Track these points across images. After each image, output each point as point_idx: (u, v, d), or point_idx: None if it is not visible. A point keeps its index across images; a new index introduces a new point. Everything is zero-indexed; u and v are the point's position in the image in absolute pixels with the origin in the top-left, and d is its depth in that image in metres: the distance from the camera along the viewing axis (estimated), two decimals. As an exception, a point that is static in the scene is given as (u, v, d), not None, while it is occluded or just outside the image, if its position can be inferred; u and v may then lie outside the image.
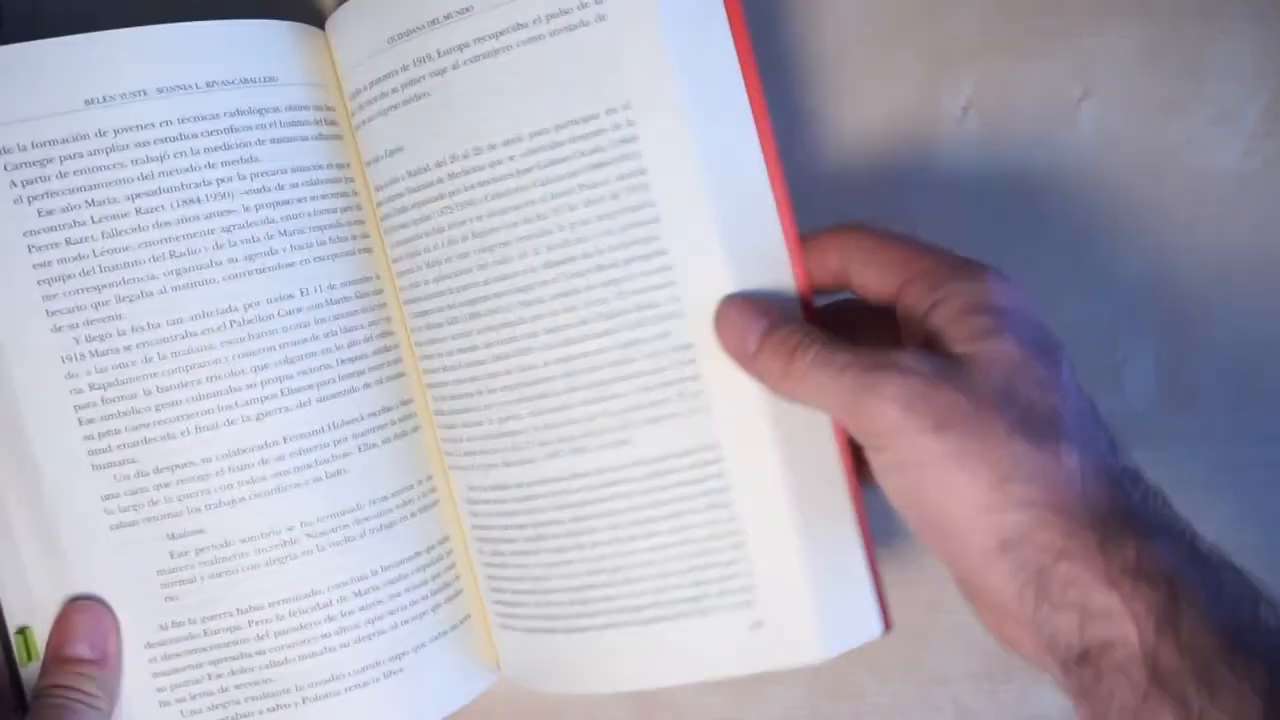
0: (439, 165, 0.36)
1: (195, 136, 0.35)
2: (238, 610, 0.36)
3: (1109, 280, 0.43)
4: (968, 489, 0.28)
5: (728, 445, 0.35)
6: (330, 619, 0.36)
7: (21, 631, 0.35)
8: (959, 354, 0.30)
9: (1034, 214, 0.43)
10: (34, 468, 0.35)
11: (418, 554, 0.38)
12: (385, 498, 0.38)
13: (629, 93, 0.34)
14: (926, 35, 0.42)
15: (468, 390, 0.37)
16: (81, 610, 0.34)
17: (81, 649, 0.34)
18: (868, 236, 0.34)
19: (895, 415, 0.29)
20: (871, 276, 0.33)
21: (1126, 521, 0.28)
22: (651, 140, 0.34)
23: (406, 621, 0.38)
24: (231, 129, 0.36)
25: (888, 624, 0.36)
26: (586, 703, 0.44)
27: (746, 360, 0.33)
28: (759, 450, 0.35)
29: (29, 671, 0.36)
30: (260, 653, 0.36)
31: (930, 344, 0.31)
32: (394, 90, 0.37)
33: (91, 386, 0.35)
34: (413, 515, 0.38)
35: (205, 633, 0.36)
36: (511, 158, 0.35)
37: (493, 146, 0.35)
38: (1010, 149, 0.43)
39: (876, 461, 0.31)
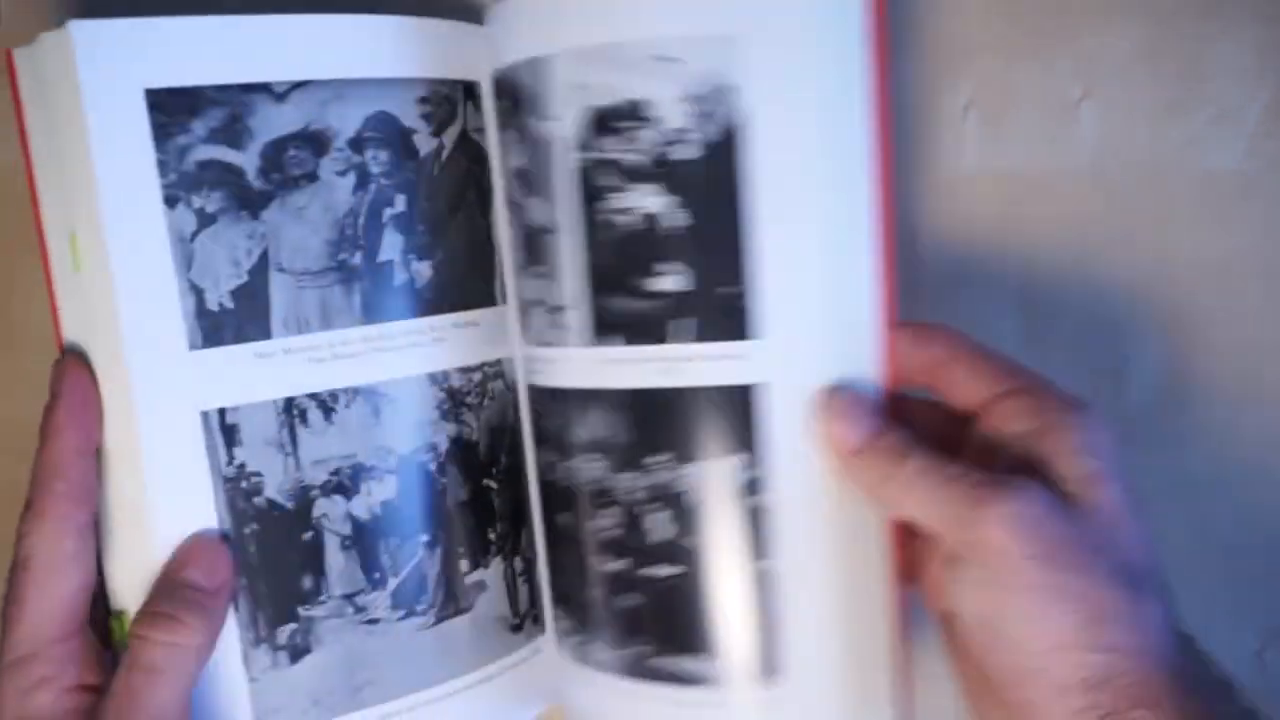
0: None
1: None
2: None
3: (1109, 280, 0.43)
4: (1058, 622, 0.29)
5: (782, 515, 0.35)
6: None
7: (118, 616, 0.36)
8: (1068, 492, 0.31)
9: (1034, 214, 0.43)
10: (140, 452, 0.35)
11: None
12: None
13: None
14: (927, 35, 0.42)
15: None
16: (203, 541, 0.35)
17: (196, 575, 0.34)
18: (966, 342, 0.34)
19: (1004, 537, 0.30)
20: (965, 382, 0.34)
21: (1195, 678, 0.30)
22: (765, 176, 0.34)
23: None
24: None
25: None
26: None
27: (846, 454, 0.34)
28: (811, 524, 0.35)
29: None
30: None
31: (1026, 465, 0.32)
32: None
33: None
34: None
35: None
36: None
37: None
38: (1010, 149, 0.43)
39: (962, 575, 0.31)
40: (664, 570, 0.37)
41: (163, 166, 0.35)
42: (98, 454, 0.36)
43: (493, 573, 0.40)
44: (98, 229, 0.34)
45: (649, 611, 0.37)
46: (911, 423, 0.34)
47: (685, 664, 0.37)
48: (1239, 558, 0.43)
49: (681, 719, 0.37)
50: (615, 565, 0.37)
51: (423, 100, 0.38)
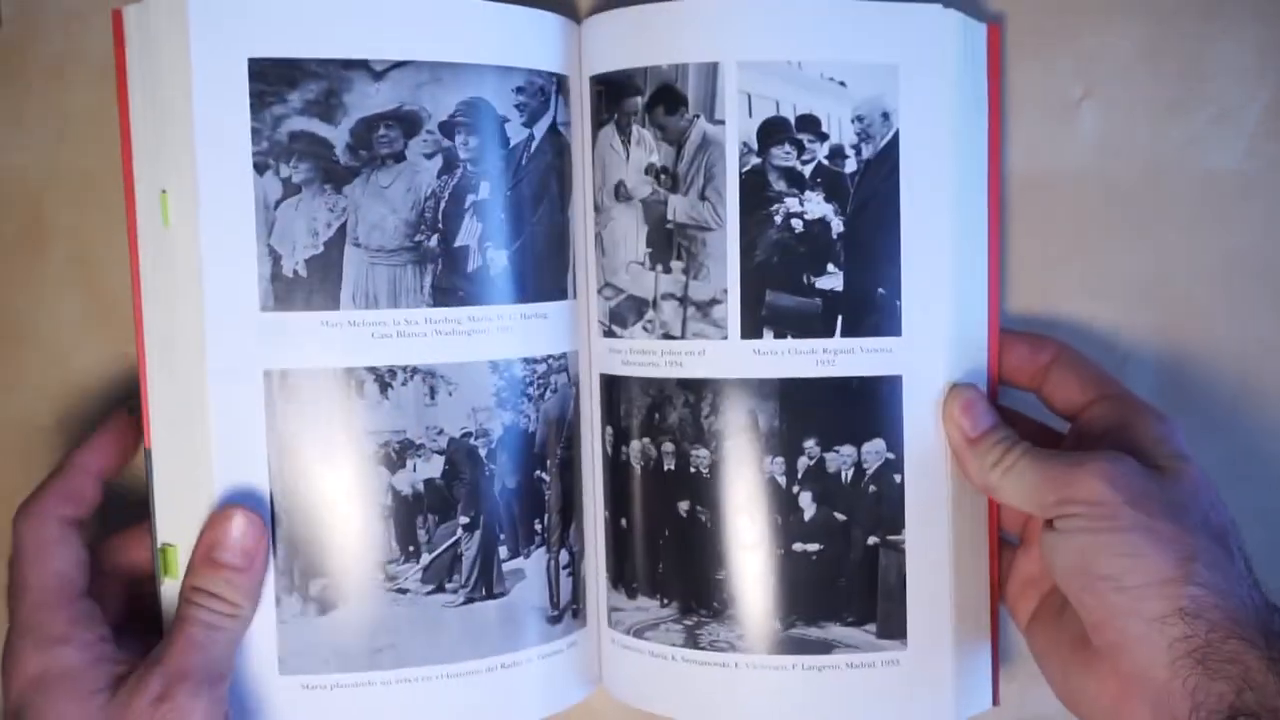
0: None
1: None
2: None
3: (1109, 280, 0.43)
4: (1155, 559, 0.33)
5: (911, 497, 0.39)
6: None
7: (163, 550, 0.37)
8: (1155, 464, 0.35)
9: (1034, 214, 0.43)
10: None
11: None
12: None
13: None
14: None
15: None
16: (232, 516, 0.36)
17: (229, 555, 0.36)
18: (1071, 352, 0.40)
19: (1101, 487, 0.34)
20: (1071, 385, 0.39)
21: (1277, 623, 0.32)
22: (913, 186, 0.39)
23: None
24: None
25: (996, 698, 0.41)
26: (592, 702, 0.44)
27: (963, 441, 0.38)
28: (937, 502, 0.39)
29: (167, 588, 0.37)
30: None
31: (1115, 448, 0.35)
32: None
33: None
34: None
35: None
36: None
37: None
38: (1010, 149, 0.43)
39: (1062, 528, 0.34)
40: (811, 546, 0.40)
41: (256, 134, 0.36)
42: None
43: (534, 563, 0.40)
44: (191, 188, 0.36)
45: (790, 586, 0.40)
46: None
47: (821, 632, 0.40)
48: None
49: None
50: (754, 545, 0.40)
51: (518, 90, 0.39)
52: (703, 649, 0.40)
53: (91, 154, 0.42)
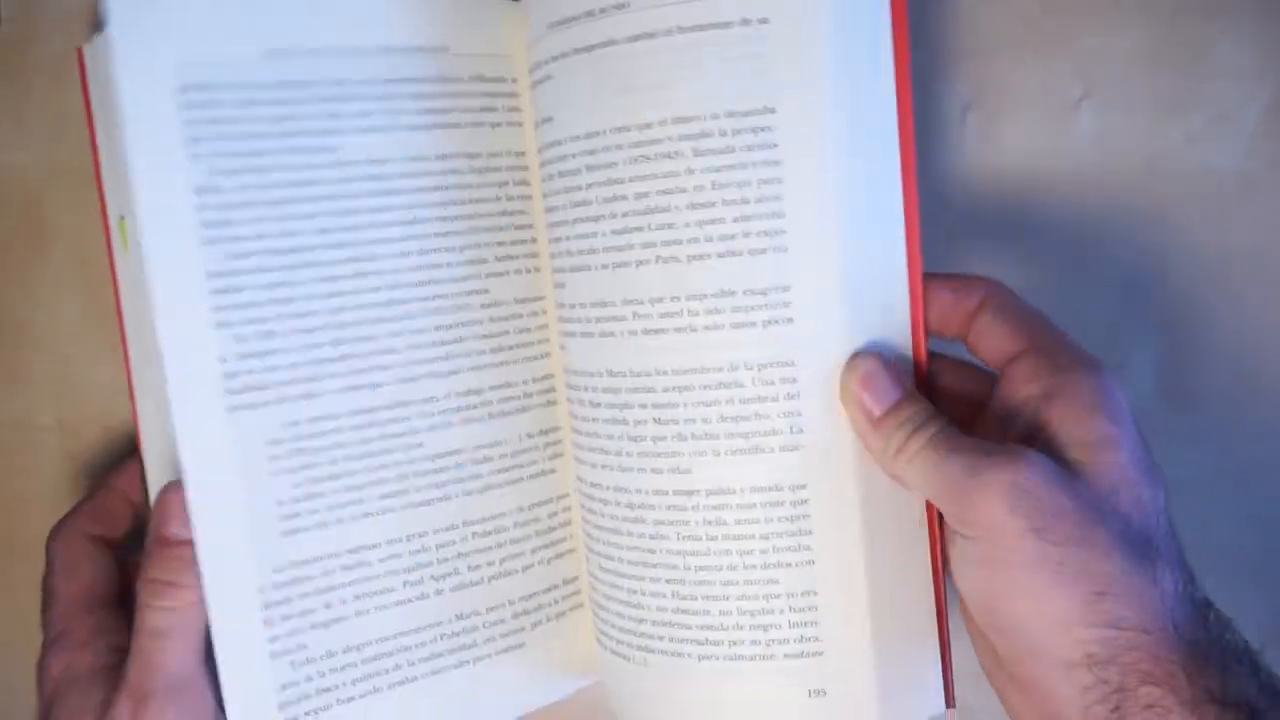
0: (597, 134, 0.35)
1: (379, 98, 0.36)
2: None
3: (1109, 280, 0.43)
4: (1060, 600, 0.28)
5: (814, 490, 0.34)
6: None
7: None
8: (1071, 458, 0.30)
9: (1034, 214, 0.43)
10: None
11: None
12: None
13: (775, 99, 0.33)
14: (927, 35, 0.42)
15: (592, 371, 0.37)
16: (178, 489, 0.34)
17: (178, 527, 0.35)
18: (1001, 295, 0.34)
19: (1000, 511, 0.29)
20: (997, 335, 0.33)
21: (1209, 649, 0.28)
22: (791, 152, 0.33)
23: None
24: (415, 95, 0.37)
25: (950, 700, 0.36)
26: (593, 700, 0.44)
27: (867, 423, 0.33)
28: (845, 500, 0.34)
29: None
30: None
31: (1036, 430, 0.31)
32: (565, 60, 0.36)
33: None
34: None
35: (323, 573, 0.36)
36: (662, 139, 0.34)
37: (647, 125, 0.34)
38: (1010, 149, 0.43)
39: (964, 551, 0.31)
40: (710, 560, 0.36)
41: (195, 159, 0.34)
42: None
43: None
44: (137, 214, 0.34)
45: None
46: (942, 387, 0.35)
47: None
48: (1238, 558, 0.43)
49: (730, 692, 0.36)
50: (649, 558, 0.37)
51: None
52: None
53: (91, 154, 0.42)
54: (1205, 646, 0.28)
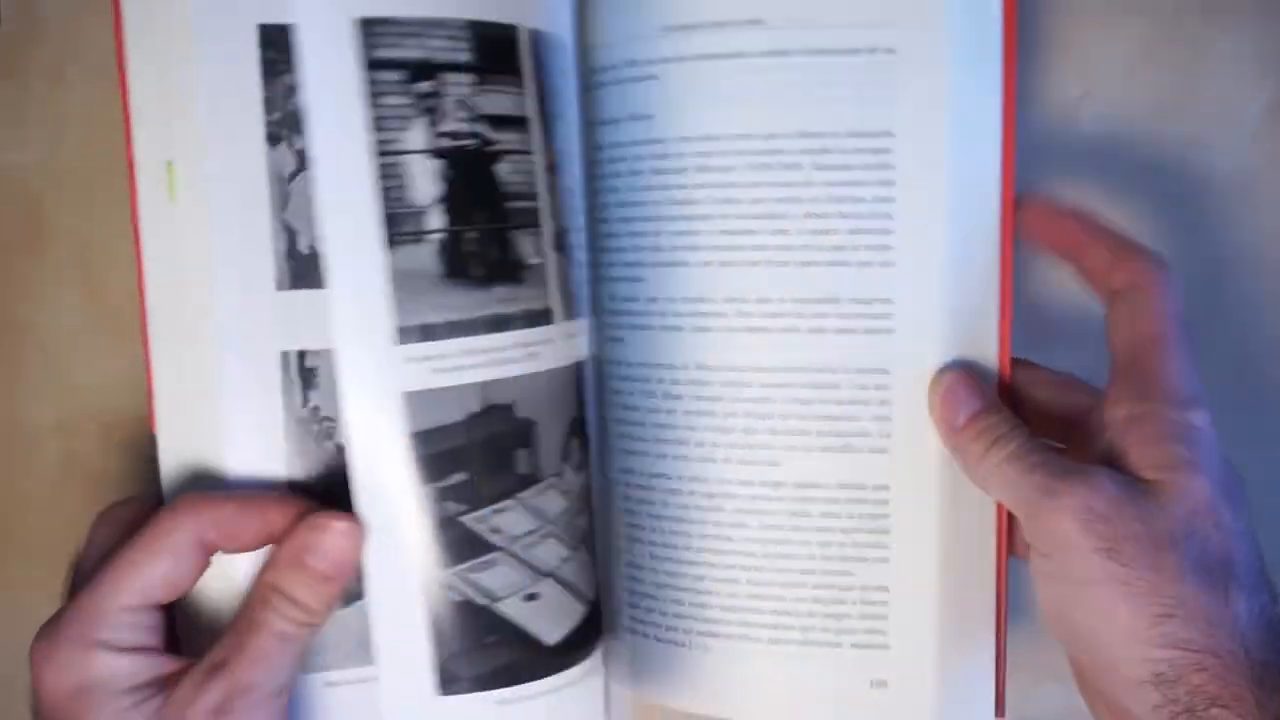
0: (715, 139, 0.37)
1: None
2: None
3: (1109, 280, 0.43)
4: (1128, 618, 0.29)
5: (896, 491, 0.36)
6: None
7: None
8: (1148, 479, 0.31)
9: (1034, 214, 0.43)
10: None
11: None
12: None
13: (895, 124, 0.35)
14: (926, 35, 0.42)
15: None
16: (331, 524, 0.33)
17: (320, 561, 0.33)
18: (1151, 286, 0.34)
19: (1072, 529, 0.30)
20: (1116, 332, 0.34)
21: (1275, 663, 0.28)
22: (906, 174, 0.35)
23: None
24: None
25: (1000, 709, 0.37)
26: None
27: (950, 432, 0.35)
28: (923, 504, 0.36)
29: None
30: None
31: (1118, 453, 0.32)
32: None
33: None
34: None
35: None
36: (784, 150, 0.36)
37: (771, 135, 0.36)
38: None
39: (1040, 567, 0.32)
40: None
41: (268, 104, 0.33)
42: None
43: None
44: (198, 160, 0.33)
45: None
46: (1042, 397, 0.36)
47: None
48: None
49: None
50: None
51: None
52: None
53: (91, 154, 0.42)
54: (1278, 670, 0.28)
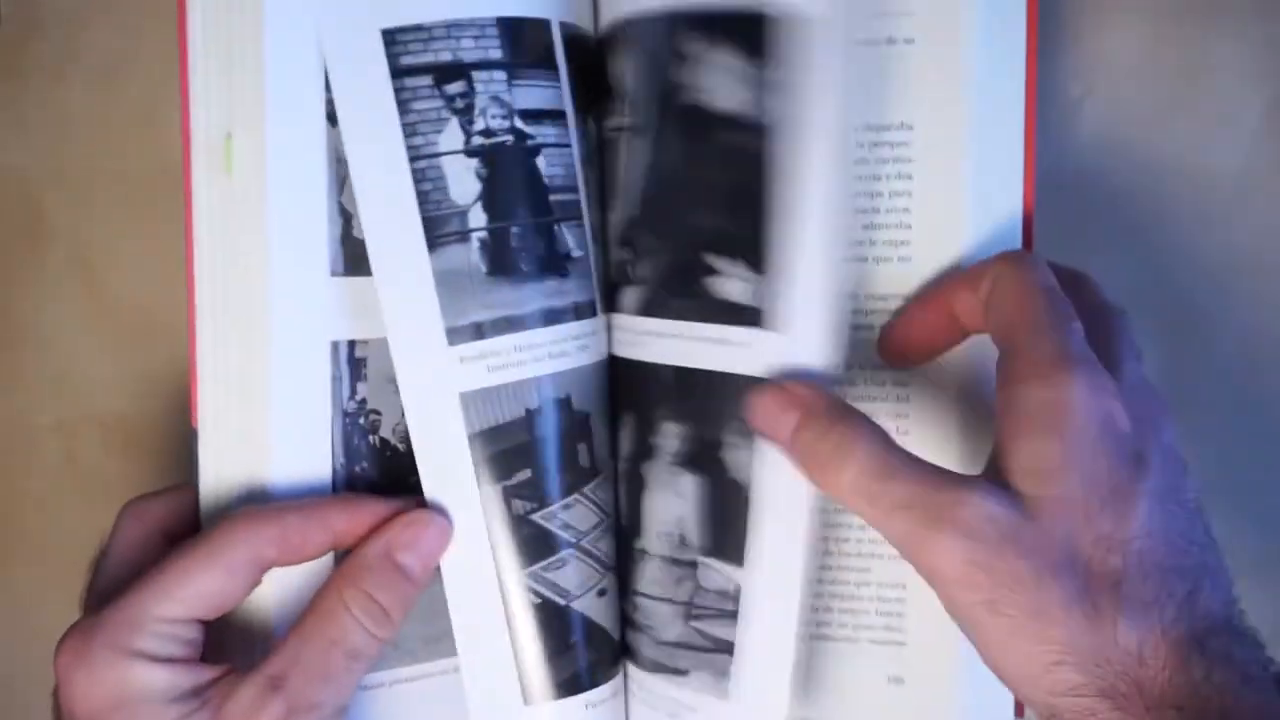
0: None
1: None
2: None
3: (1109, 281, 0.43)
4: (1022, 661, 0.27)
5: None
6: None
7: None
8: (1022, 493, 0.27)
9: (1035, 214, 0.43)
10: None
11: None
12: None
13: (914, 115, 0.35)
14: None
15: None
16: (429, 519, 0.33)
17: (413, 560, 0.32)
18: (1024, 270, 0.31)
19: (952, 579, 0.27)
20: (995, 318, 0.31)
21: (1184, 703, 0.26)
22: (925, 170, 0.35)
23: None
24: None
25: (1020, 710, 0.36)
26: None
27: (783, 446, 0.31)
28: (793, 501, 0.35)
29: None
30: None
31: (995, 449, 0.29)
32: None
33: None
34: None
35: None
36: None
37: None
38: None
39: (938, 596, 0.29)
40: None
41: (403, 106, 0.33)
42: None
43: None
44: (259, 134, 0.33)
45: None
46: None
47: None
48: (1239, 558, 0.43)
49: None
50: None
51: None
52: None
53: (91, 154, 0.42)
54: (1180, 700, 0.26)
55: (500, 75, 0.34)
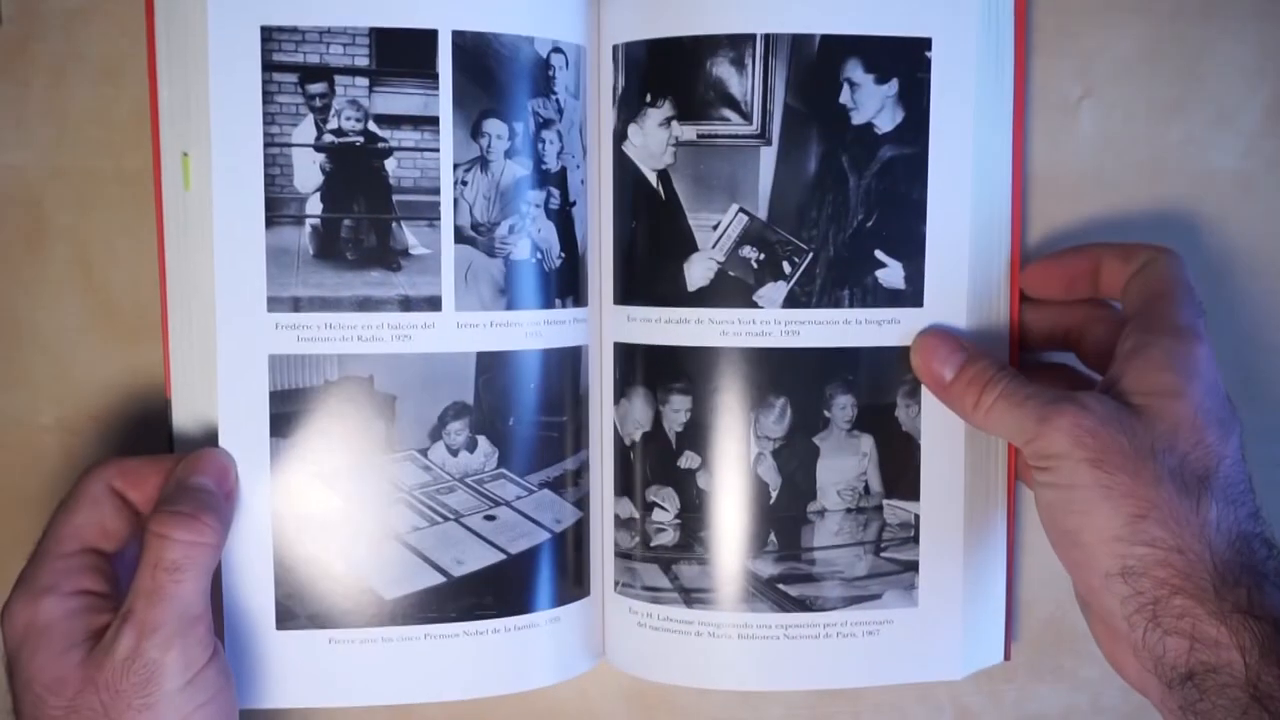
0: None
1: None
2: None
3: (1109, 280, 0.43)
4: (1107, 518, 0.33)
5: (928, 437, 0.41)
6: None
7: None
8: (1136, 404, 0.34)
9: (1034, 214, 0.43)
10: None
11: None
12: None
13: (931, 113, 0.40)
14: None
15: None
16: (213, 453, 0.38)
17: (201, 477, 0.37)
18: (1164, 260, 0.38)
19: (1064, 444, 0.34)
20: (1130, 298, 0.37)
21: (1244, 570, 0.32)
22: (938, 165, 0.40)
23: None
24: None
25: (1007, 654, 0.42)
26: (591, 704, 0.44)
27: (940, 389, 0.39)
28: (953, 444, 0.41)
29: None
30: None
31: (1115, 381, 0.35)
32: None
33: None
34: None
35: None
36: None
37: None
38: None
39: (1039, 478, 0.35)
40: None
41: (268, 97, 0.38)
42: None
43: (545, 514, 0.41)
44: (207, 153, 0.38)
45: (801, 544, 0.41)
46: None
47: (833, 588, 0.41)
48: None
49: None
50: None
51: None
52: (700, 608, 0.41)
53: (91, 154, 0.42)
54: (1241, 568, 0.32)
55: (363, 81, 0.39)
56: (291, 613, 0.39)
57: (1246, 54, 0.43)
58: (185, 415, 0.39)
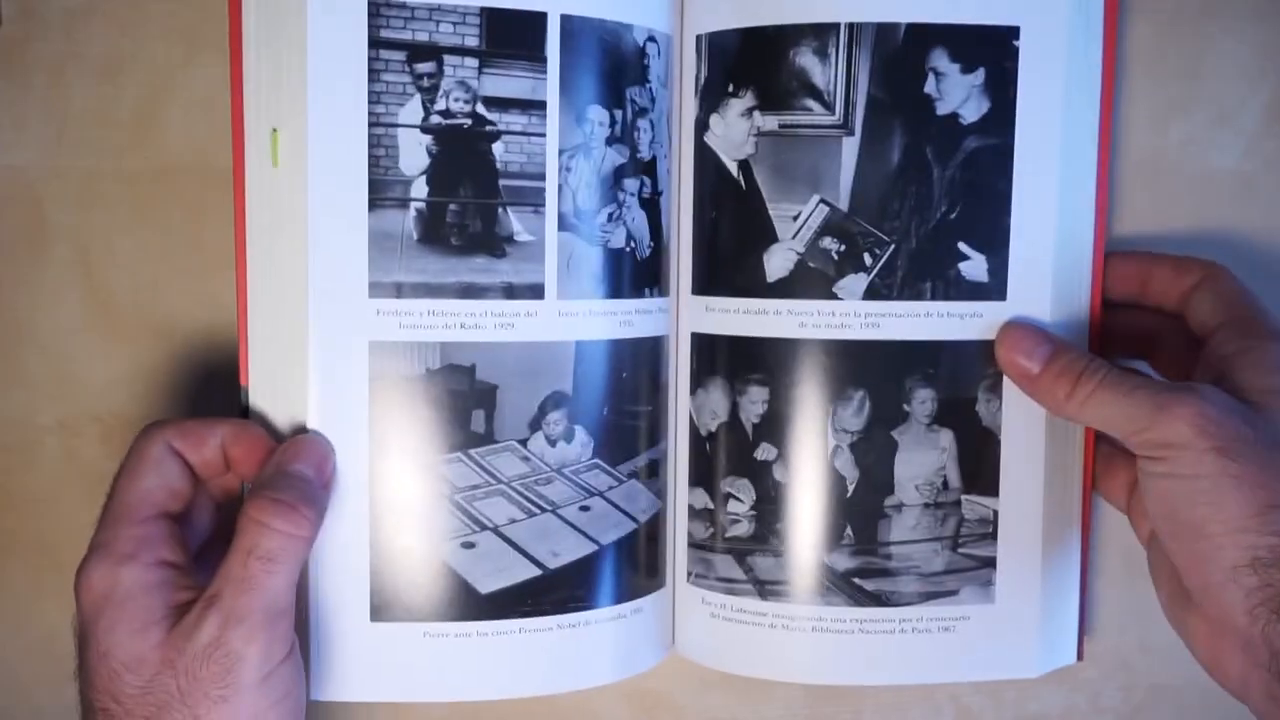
0: None
1: None
2: None
3: (1109, 280, 0.43)
4: (1237, 507, 0.32)
5: (1008, 431, 0.40)
6: None
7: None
8: (1251, 400, 0.34)
9: (1034, 214, 0.43)
10: None
11: None
12: None
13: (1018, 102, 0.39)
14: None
15: None
16: (312, 439, 0.37)
17: (301, 465, 0.36)
18: (1223, 275, 0.39)
19: (1187, 432, 0.33)
20: (1205, 308, 0.38)
21: None
22: (1024, 157, 0.39)
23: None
24: None
25: (1080, 655, 0.41)
26: (590, 703, 0.44)
27: (1027, 381, 0.38)
28: (1032, 440, 0.40)
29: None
30: None
31: (1223, 381, 0.35)
32: None
33: None
34: None
35: None
36: None
37: None
38: (1010, 149, 0.43)
39: (1150, 469, 0.35)
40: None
41: (373, 75, 0.37)
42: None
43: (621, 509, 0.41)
44: (301, 128, 0.36)
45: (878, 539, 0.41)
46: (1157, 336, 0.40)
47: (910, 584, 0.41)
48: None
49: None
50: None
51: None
52: (774, 600, 0.40)
53: (91, 154, 0.42)
54: None
55: (472, 62, 0.37)
56: (386, 605, 0.38)
57: (1246, 54, 0.43)
58: (265, 401, 0.38)
